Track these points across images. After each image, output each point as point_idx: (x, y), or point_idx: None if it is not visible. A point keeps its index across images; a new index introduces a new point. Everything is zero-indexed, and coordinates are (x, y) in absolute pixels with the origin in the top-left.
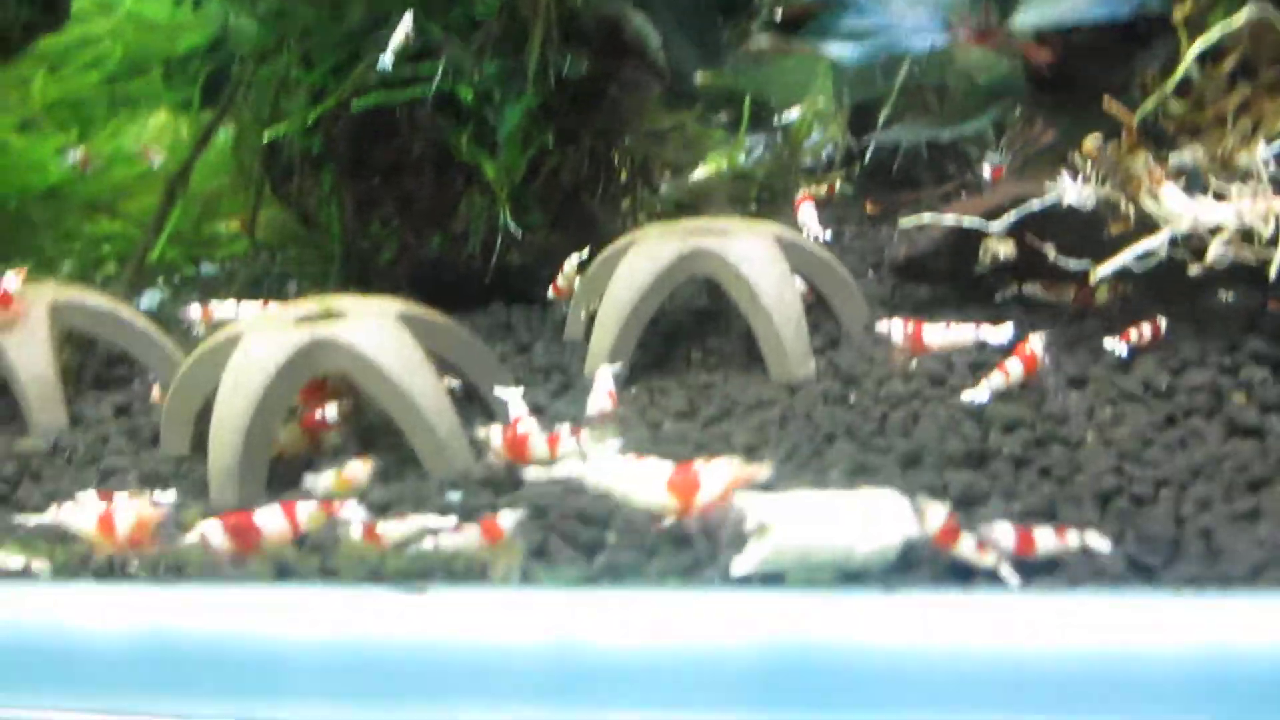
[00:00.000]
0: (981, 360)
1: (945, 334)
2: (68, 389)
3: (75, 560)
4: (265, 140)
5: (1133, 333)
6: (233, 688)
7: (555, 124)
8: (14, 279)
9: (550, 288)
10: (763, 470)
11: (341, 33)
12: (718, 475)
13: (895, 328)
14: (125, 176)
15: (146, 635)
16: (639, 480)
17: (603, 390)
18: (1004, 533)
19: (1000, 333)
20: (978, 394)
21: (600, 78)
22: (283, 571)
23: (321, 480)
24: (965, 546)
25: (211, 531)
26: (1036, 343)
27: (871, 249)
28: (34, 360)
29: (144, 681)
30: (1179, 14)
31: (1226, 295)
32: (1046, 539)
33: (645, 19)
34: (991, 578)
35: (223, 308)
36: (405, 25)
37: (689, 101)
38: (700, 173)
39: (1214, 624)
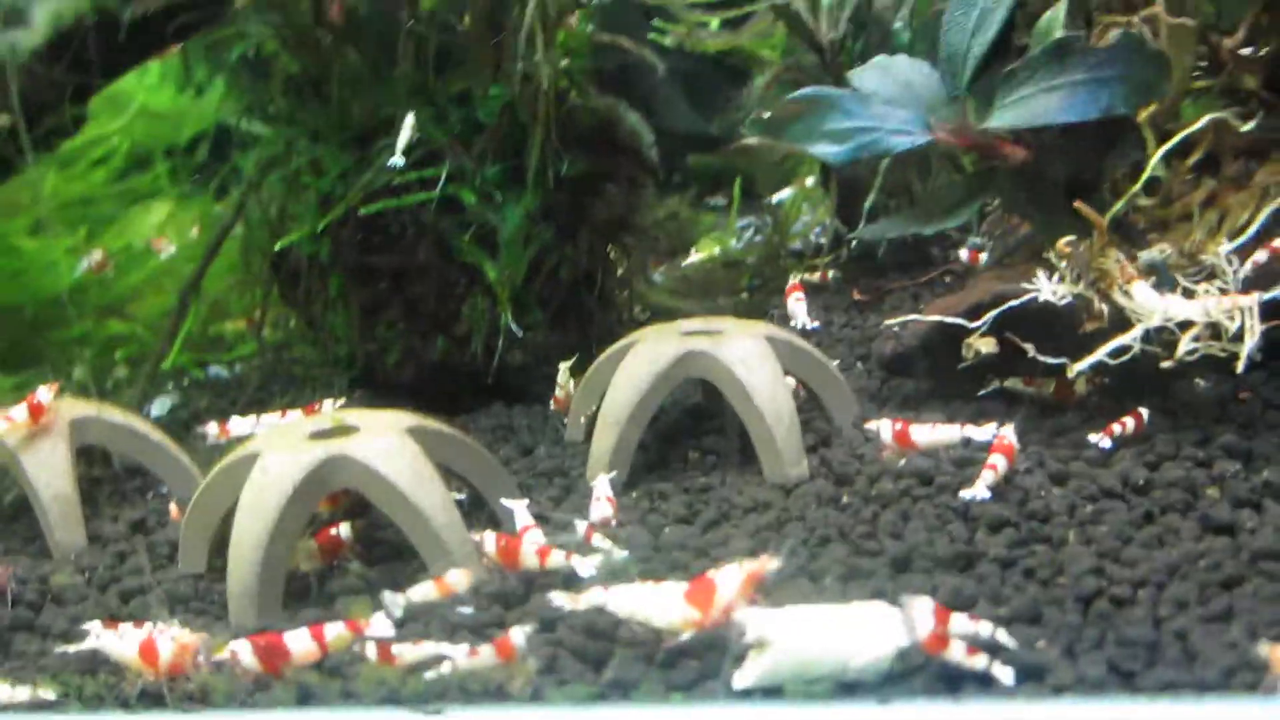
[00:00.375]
0: (967, 456)
1: (932, 433)
2: (85, 505)
3: (104, 689)
4: (276, 248)
5: (1116, 428)
6: None
7: (554, 223)
8: (46, 392)
9: (551, 400)
10: (770, 563)
11: (349, 138)
12: (730, 577)
13: (884, 427)
14: (136, 279)
15: None
16: (657, 602)
17: (602, 498)
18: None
19: (984, 431)
20: (978, 491)
21: (597, 176)
22: (305, 696)
23: (419, 590)
24: (955, 651)
25: (241, 651)
26: (1010, 433)
27: (860, 339)
28: (55, 479)
29: None
30: (1143, 115)
31: (1199, 385)
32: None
33: (639, 118)
34: (984, 680)
35: (240, 424)
36: (409, 124)
37: (682, 186)
38: (694, 257)
39: None
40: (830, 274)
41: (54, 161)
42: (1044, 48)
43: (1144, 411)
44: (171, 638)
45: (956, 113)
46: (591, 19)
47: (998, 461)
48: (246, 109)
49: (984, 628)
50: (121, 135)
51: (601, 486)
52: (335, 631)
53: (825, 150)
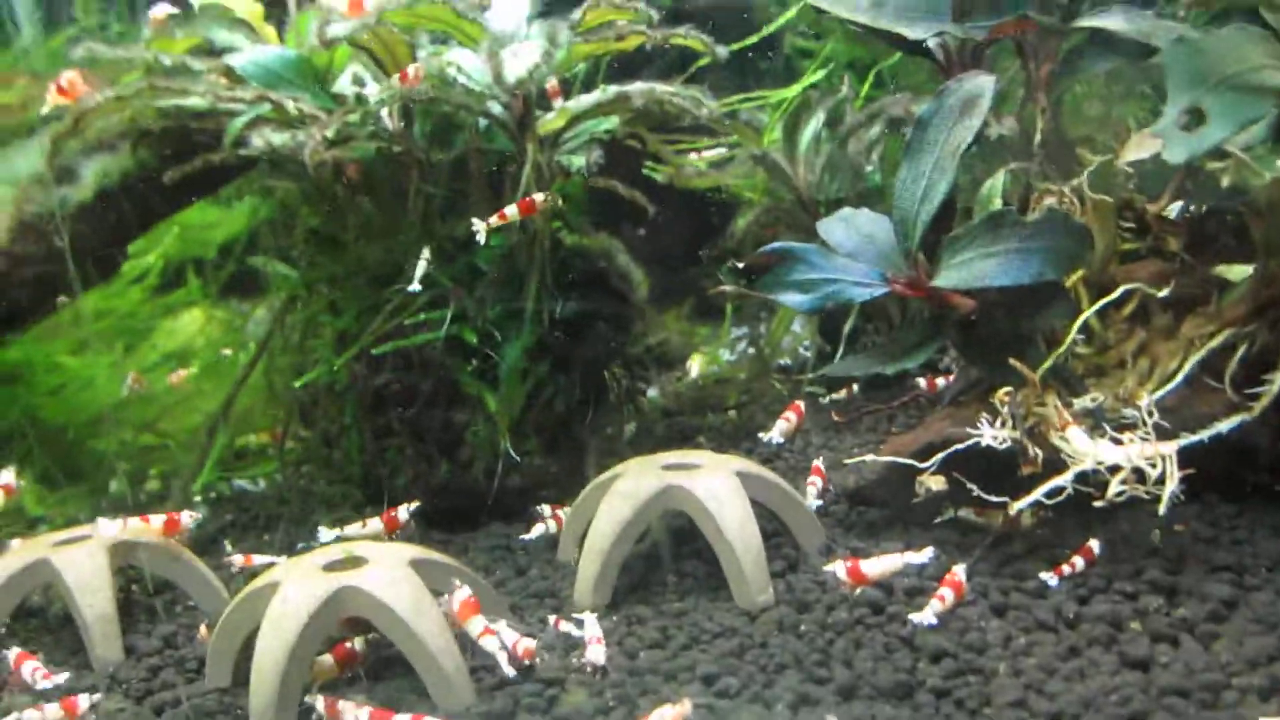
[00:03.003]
0: (918, 586)
1: (878, 564)
2: (122, 622)
3: None
4: (299, 385)
5: (1065, 568)
6: None
7: (549, 358)
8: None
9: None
10: (685, 706)
11: (363, 281)
12: None
13: (839, 568)
14: (169, 395)
15: None
16: None
17: (594, 638)
18: None
19: (921, 555)
20: (925, 617)
21: (589, 315)
22: None
23: None
24: None
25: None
26: (960, 571)
27: (835, 463)
28: (97, 600)
29: None
30: (1076, 276)
31: (1136, 522)
32: None
33: (629, 260)
34: None
35: (261, 558)
36: (425, 256)
37: (677, 301)
38: (692, 371)
39: None
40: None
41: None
42: (981, 219)
43: (1095, 545)
44: None
45: (910, 268)
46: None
47: (946, 594)
48: (271, 251)
49: None
50: (157, 255)
51: (591, 627)
52: None
53: (793, 299)
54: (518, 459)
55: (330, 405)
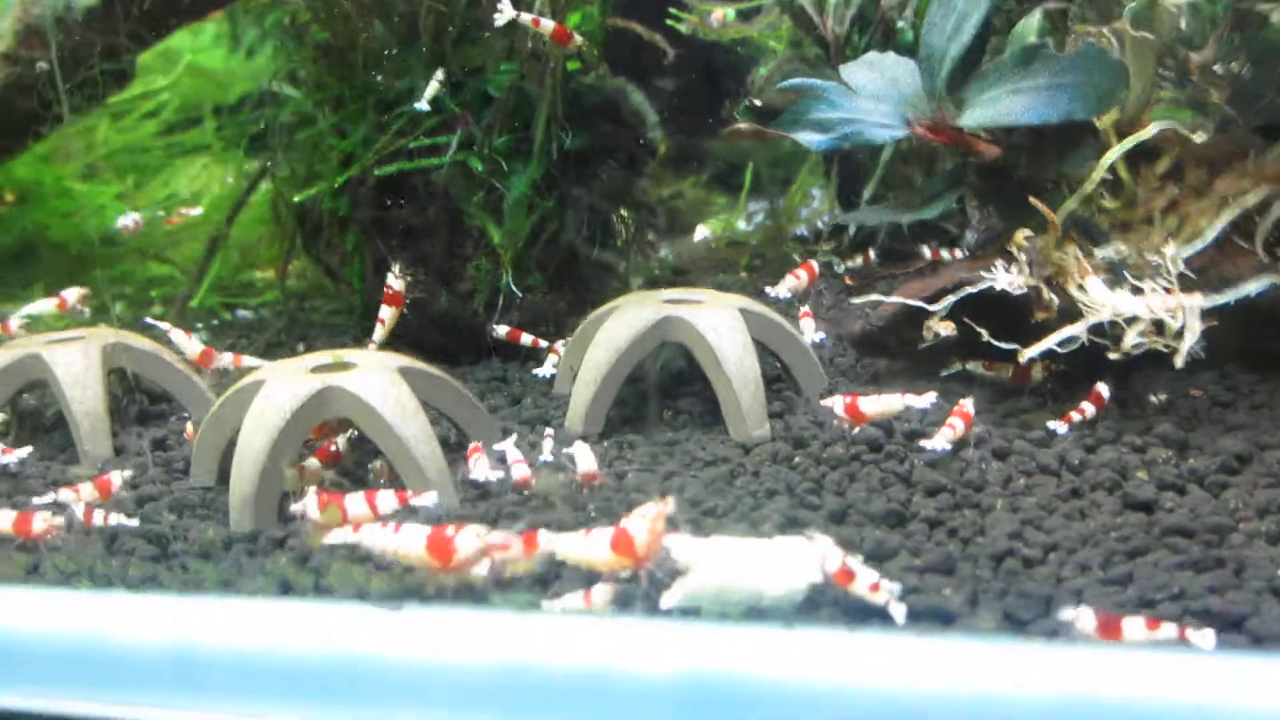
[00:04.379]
0: (919, 429)
1: (876, 403)
2: (113, 423)
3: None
4: (297, 200)
5: (1075, 415)
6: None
7: (556, 193)
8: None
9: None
10: (669, 504)
11: (370, 104)
12: (640, 524)
13: (836, 403)
14: (175, 225)
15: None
16: (590, 549)
17: (585, 459)
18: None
19: (923, 400)
20: (938, 443)
21: (599, 151)
22: (285, 588)
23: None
24: (859, 586)
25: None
26: (968, 403)
27: (844, 320)
28: (87, 397)
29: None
30: (1103, 122)
31: (1151, 384)
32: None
33: (643, 97)
34: (884, 615)
35: (251, 359)
36: (439, 76)
37: (696, 166)
38: (700, 234)
39: (1063, 672)
40: (840, 264)
41: (106, 112)
42: (1013, 52)
43: (1104, 389)
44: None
45: (934, 109)
46: (609, 5)
47: (956, 423)
48: (281, 73)
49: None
50: (171, 91)
51: (582, 452)
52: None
53: (809, 138)
54: (519, 294)
55: (333, 234)
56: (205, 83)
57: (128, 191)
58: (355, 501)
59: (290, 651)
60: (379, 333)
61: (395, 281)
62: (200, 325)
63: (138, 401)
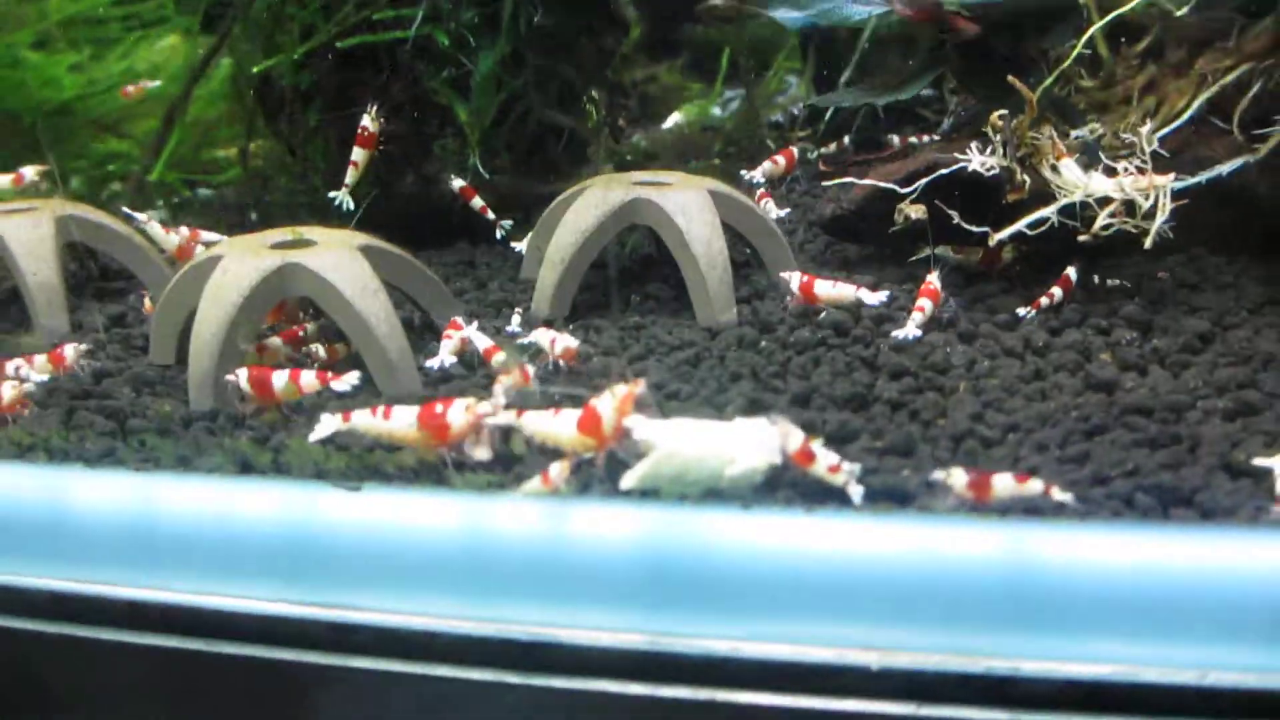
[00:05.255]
0: (887, 315)
1: (831, 289)
2: (70, 298)
3: None
4: (256, 71)
5: (1044, 300)
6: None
7: (525, 71)
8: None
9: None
10: (639, 386)
11: None
12: (607, 404)
13: (794, 279)
14: (132, 98)
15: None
16: (558, 427)
17: (546, 339)
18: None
19: (877, 296)
20: (909, 330)
21: (569, 29)
22: (245, 466)
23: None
24: (819, 467)
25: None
26: (935, 279)
27: (817, 205)
28: (42, 267)
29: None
30: None
31: (1119, 267)
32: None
33: None
34: (842, 496)
35: (210, 235)
36: None
37: (671, 52)
38: (673, 121)
39: (1010, 544)
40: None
41: None
42: None
43: (1072, 272)
44: None
45: None
46: None
47: (924, 304)
48: None
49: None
50: None
51: (542, 336)
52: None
53: (786, 15)
54: (487, 175)
55: (296, 110)
56: None
57: (83, 63)
58: (279, 377)
59: (250, 528)
60: (351, 175)
61: (369, 122)
62: (160, 203)
63: (94, 276)
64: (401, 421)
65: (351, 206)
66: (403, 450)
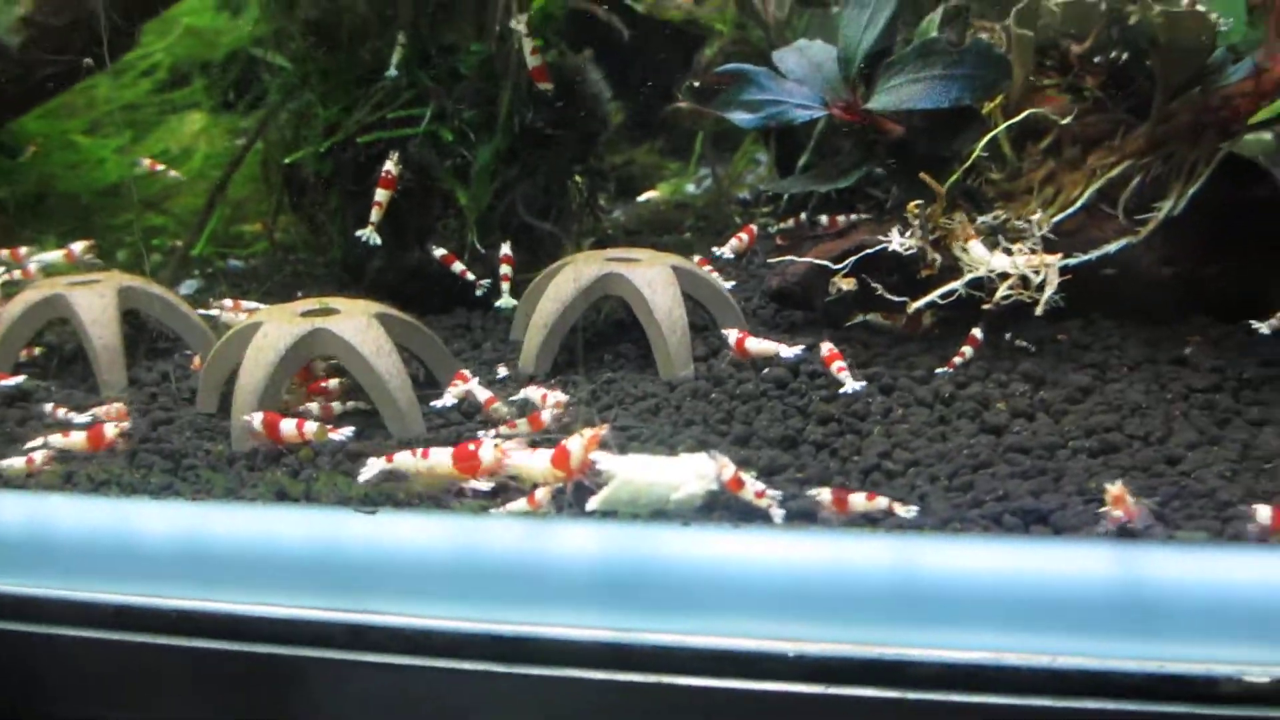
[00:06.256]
0: (819, 371)
1: (760, 344)
2: (127, 356)
3: None
4: (286, 161)
5: (957, 360)
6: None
7: (518, 162)
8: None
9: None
10: (604, 429)
11: (353, 77)
12: (577, 443)
13: (731, 335)
14: (171, 180)
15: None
16: (533, 463)
17: (535, 395)
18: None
19: (793, 350)
20: (850, 385)
21: (558, 125)
22: (281, 495)
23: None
24: (748, 493)
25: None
26: (826, 345)
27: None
28: (105, 332)
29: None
30: (986, 108)
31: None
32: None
33: (600, 75)
34: (764, 517)
35: (249, 304)
36: (400, 41)
37: (652, 134)
38: (649, 196)
39: (900, 553)
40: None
41: (109, 72)
42: (913, 46)
43: (978, 332)
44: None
45: (849, 93)
46: None
47: (840, 364)
48: (270, 42)
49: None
50: (165, 52)
51: (532, 394)
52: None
53: (739, 117)
54: (483, 251)
55: (318, 194)
56: (195, 41)
57: (126, 145)
58: (288, 424)
59: (284, 547)
60: (375, 214)
61: (392, 167)
62: (196, 272)
63: (147, 339)
64: (438, 459)
65: (378, 241)
66: (410, 481)
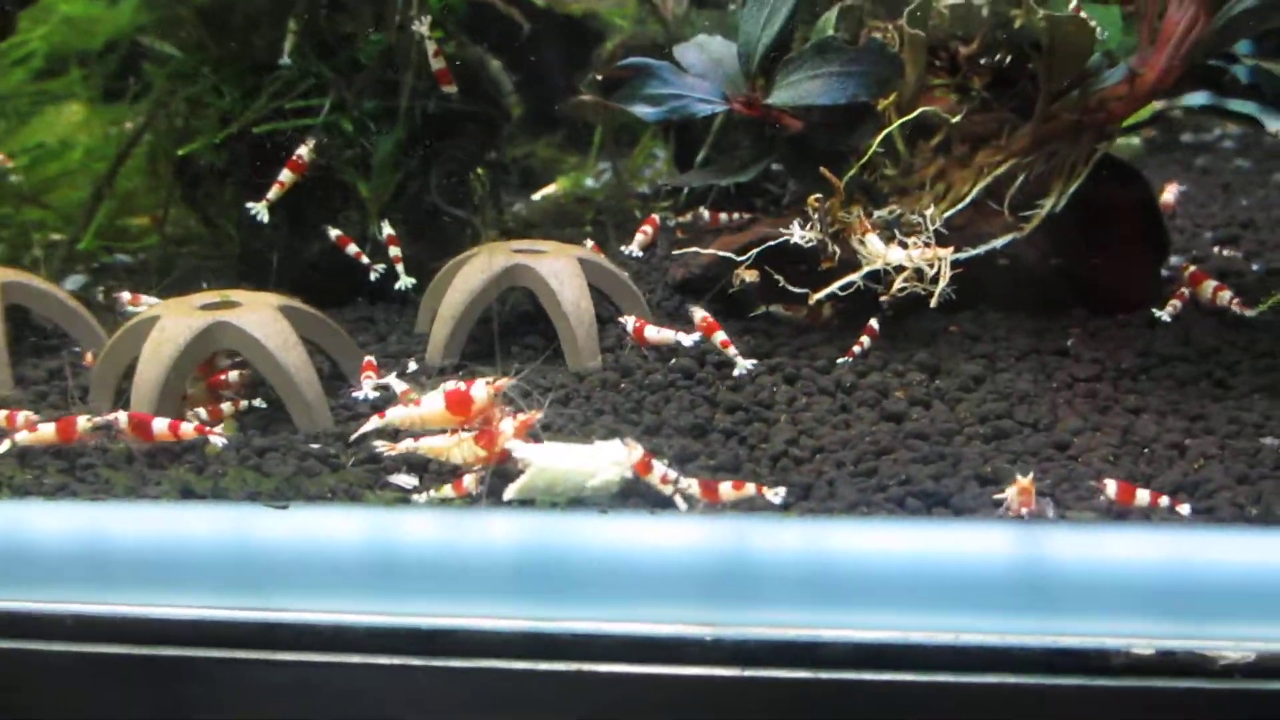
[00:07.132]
0: (724, 360)
1: (658, 332)
2: (11, 355)
3: None
4: (179, 154)
5: (856, 349)
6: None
7: (419, 152)
8: None
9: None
10: (536, 416)
11: (247, 67)
12: (508, 425)
13: (629, 322)
14: (50, 173)
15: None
16: (455, 447)
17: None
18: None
19: (689, 338)
20: (743, 366)
21: (458, 115)
22: (186, 491)
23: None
24: (654, 477)
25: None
26: (721, 333)
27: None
28: None
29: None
30: (881, 104)
31: (919, 321)
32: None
33: (500, 67)
34: (670, 503)
35: (148, 298)
36: (291, 28)
37: (551, 128)
38: (550, 190)
39: (808, 536)
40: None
41: None
42: (811, 44)
43: (874, 323)
44: None
45: (749, 89)
46: None
47: (725, 340)
48: (156, 30)
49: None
50: (41, 41)
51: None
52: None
53: (642, 110)
54: (383, 242)
55: (213, 186)
56: (71, 30)
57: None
58: (160, 423)
59: (190, 545)
60: (274, 191)
61: (305, 152)
62: (80, 267)
63: (33, 336)
64: (431, 406)
65: (267, 219)
66: (322, 474)
